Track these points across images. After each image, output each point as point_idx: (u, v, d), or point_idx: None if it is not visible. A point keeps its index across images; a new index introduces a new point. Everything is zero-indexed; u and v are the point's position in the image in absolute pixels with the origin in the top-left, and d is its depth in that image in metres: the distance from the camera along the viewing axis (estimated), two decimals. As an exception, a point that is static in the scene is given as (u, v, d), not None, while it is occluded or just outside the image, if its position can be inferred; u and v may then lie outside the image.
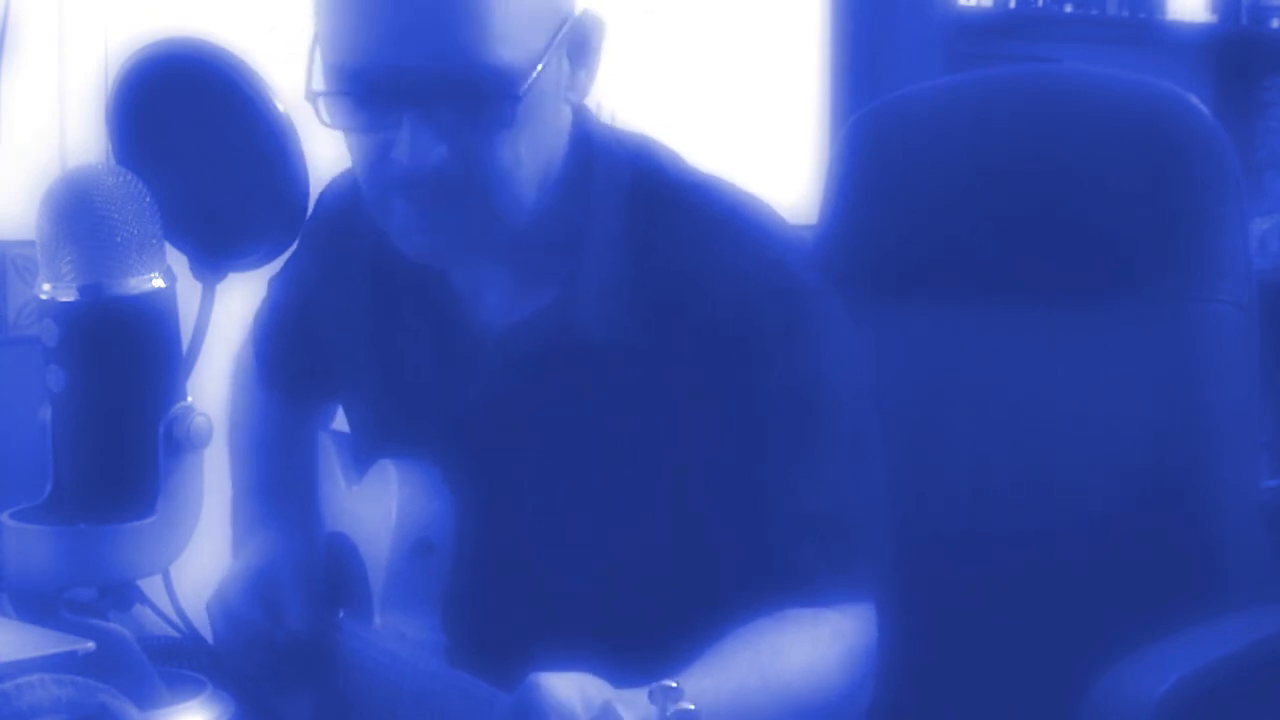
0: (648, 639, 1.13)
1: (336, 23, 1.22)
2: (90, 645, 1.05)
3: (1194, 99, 1.64)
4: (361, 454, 1.42)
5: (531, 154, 1.25)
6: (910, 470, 1.64)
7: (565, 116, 1.31)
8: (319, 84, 1.23)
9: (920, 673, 1.55)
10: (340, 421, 1.55)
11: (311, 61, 1.24)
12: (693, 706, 0.88)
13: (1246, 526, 1.59)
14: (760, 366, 1.25)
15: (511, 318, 1.33)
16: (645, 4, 2.81)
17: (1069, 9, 3.50)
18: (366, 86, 1.21)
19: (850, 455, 1.27)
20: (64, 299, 1.10)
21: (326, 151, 1.31)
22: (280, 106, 1.18)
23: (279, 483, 1.56)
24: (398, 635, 1.28)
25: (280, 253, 1.25)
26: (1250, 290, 1.61)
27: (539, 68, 1.22)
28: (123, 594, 1.17)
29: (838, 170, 1.81)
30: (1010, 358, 1.68)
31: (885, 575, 1.27)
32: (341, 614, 1.37)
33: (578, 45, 1.28)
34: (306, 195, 1.21)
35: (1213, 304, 1.59)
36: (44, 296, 1.11)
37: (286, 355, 1.57)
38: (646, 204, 1.31)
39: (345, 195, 1.43)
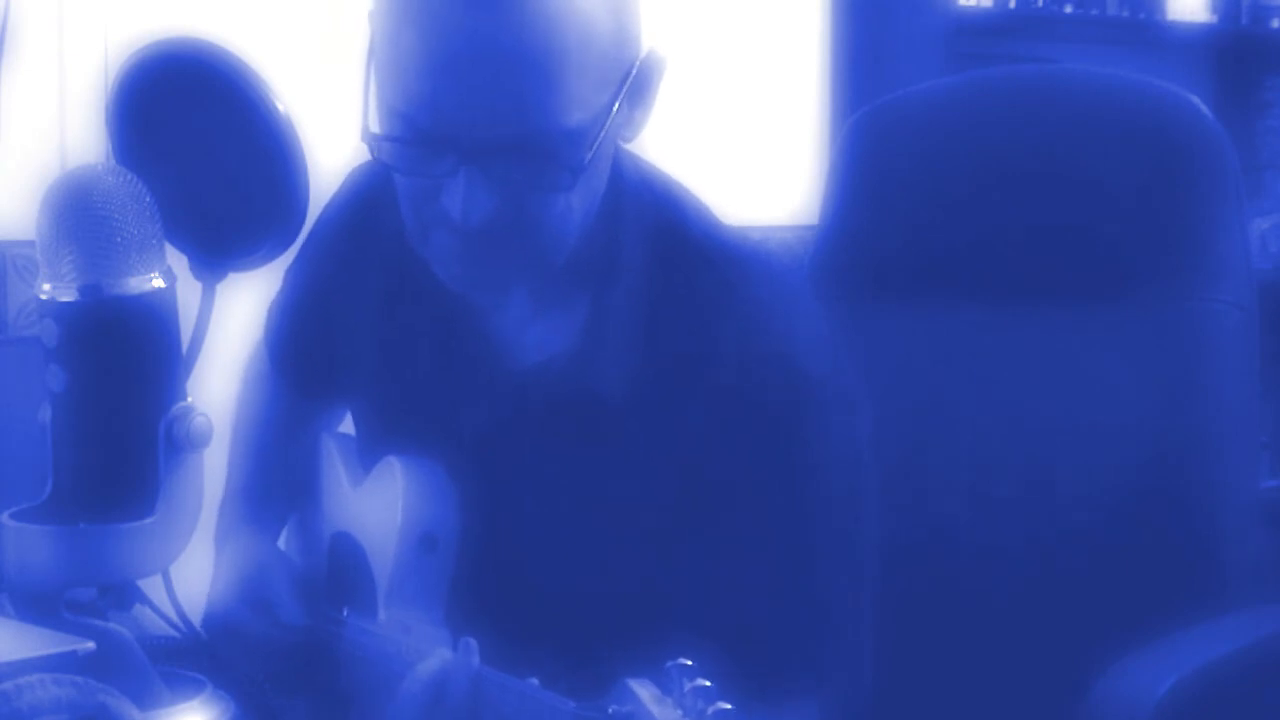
0: (640, 637, 1.13)
1: (403, 70, 1.17)
2: (90, 645, 1.05)
3: (1195, 99, 1.64)
4: (365, 455, 1.42)
5: (582, 202, 1.24)
6: (910, 471, 1.64)
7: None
8: (375, 125, 1.21)
9: (921, 673, 1.55)
10: (346, 423, 1.55)
11: (367, 100, 1.21)
12: (729, 706, 0.88)
13: (1246, 526, 1.59)
14: (757, 453, 1.24)
15: (529, 349, 1.33)
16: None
17: (1069, 9, 3.49)
18: (426, 136, 1.18)
19: (828, 552, 1.27)
20: (64, 299, 1.10)
21: (327, 152, 1.31)
22: (280, 106, 1.18)
23: (272, 479, 1.56)
24: (402, 630, 1.28)
25: (280, 253, 1.25)
26: (1250, 290, 1.61)
27: (605, 128, 1.20)
28: (123, 594, 1.17)
29: (838, 170, 1.81)
30: (1010, 358, 1.68)
31: (842, 674, 1.27)
32: (346, 611, 1.37)
33: (638, 89, 1.25)
34: (307, 195, 1.21)
35: (1213, 304, 1.59)
36: (44, 296, 1.11)
37: (299, 345, 1.56)
38: (671, 261, 1.30)
39: (372, 186, 1.41)
